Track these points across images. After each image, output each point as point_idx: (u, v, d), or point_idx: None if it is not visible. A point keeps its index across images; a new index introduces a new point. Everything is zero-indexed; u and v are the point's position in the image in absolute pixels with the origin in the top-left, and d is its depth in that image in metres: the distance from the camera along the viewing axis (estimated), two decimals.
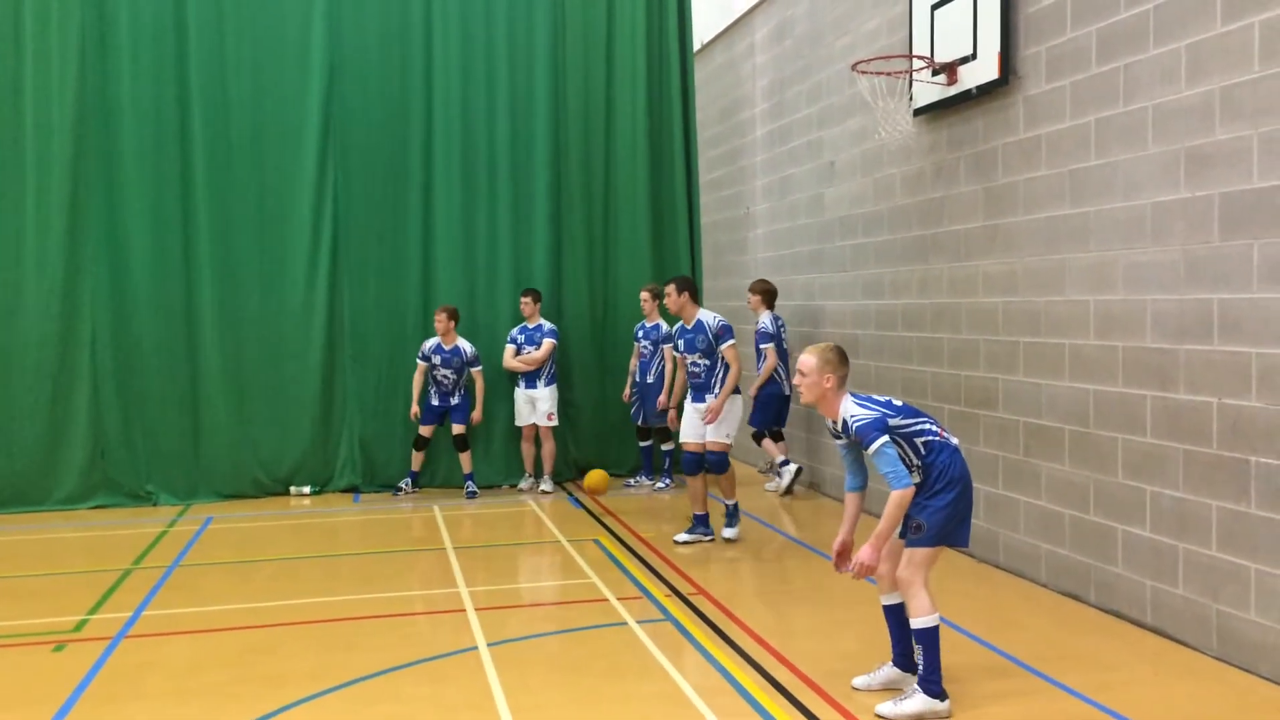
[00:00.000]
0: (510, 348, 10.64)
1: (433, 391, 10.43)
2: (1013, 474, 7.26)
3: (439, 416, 10.47)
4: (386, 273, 10.79)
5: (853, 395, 5.02)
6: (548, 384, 10.64)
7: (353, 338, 10.73)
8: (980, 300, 7.60)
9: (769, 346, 10.21)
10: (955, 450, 4.99)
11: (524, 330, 10.68)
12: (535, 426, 10.69)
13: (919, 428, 4.94)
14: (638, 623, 6.27)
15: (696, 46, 12.70)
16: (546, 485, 10.69)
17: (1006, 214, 7.28)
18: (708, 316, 8.26)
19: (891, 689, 5.08)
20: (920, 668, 4.86)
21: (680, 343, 8.36)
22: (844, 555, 5.07)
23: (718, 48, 13.00)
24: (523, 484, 10.77)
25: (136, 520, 9.63)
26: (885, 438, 4.81)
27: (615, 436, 11.28)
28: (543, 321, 10.70)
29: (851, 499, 5.17)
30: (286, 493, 10.58)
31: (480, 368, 10.47)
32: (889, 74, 8.10)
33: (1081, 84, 6.50)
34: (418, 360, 10.45)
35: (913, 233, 8.51)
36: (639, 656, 5.72)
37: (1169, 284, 5.82)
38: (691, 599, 6.77)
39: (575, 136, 11.20)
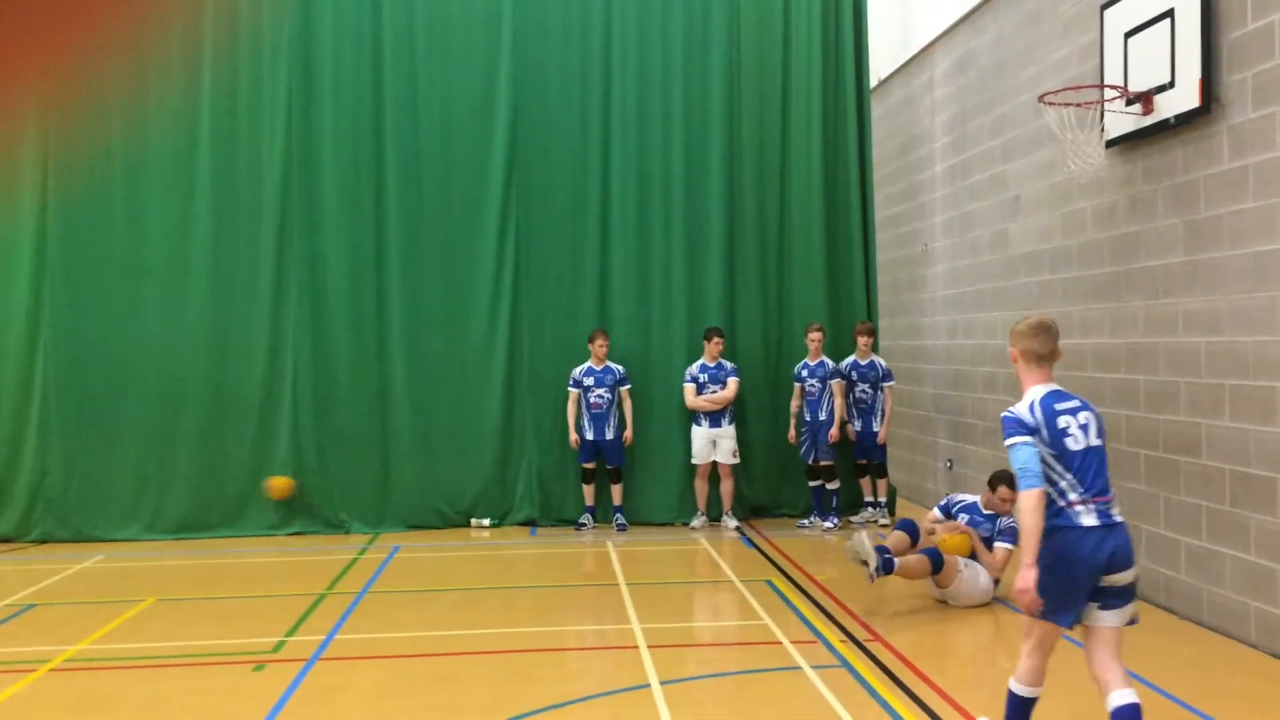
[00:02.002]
0: (690, 386, 10.71)
1: (587, 424, 10.60)
2: (1218, 525, 6.79)
3: (596, 451, 10.64)
4: (563, 311, 11.08)
5: (1050, 389, 4.60)
6: (730, 422, 10.70)
7: (530, 375, 11.03)
8: (1180, 339, 7.18)
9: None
10: (1074, 529, 4.42)
11: (705, 369, 10.74)
12: (712, 465, 10.71)
13: (1057, 483, 4.46)
14: (812, 668, 6.15)
15: (874, 81, 12.58)
16: (731, 522, 10.69)
17: (1209, 249, 6.87)
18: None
19: None
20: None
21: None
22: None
23: (896, 82, 12.83)
24: (695, 522, 10.79)
25: (330, 548, 10.13)
26: (1024, 438, 4.42)
27: (788, 476, 11.18)
28: (724, 361, 10.76)
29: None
30: (468, 524, 10.92)
31: (629, 387, 10.64)
32: (1079, 105, 7.80)
33: None
34: (569, 389, 10.67)
35: (1105, 269, 8.13)
36: (813, 703, 5.61)
37: None
38: (867, 645, 6.61)
39: (750, 174, 11.25)
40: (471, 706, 5.62)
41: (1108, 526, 4.45)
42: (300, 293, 10.83)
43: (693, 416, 10.77)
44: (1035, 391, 4.62)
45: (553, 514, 10.98)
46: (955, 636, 6.84)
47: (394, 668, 6.39)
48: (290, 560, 9.78)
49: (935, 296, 11.63)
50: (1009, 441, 4.49)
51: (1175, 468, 7.22)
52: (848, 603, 7.61)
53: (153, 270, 10.76)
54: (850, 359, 10.83)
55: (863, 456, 10.85)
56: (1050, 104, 7.87)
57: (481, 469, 10.95)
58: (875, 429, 10.73)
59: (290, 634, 7.09)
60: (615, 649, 6.76)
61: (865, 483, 10.89)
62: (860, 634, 6.86)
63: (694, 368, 10.79)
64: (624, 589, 8.22)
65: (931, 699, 5.62)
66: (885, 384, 10.73)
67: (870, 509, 10.84)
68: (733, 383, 10.66)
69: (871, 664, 6.23)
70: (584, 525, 10.71)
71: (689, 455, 10.83)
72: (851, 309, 11.38)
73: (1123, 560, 4.45)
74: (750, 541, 10.07)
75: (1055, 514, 4.45)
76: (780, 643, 6.70)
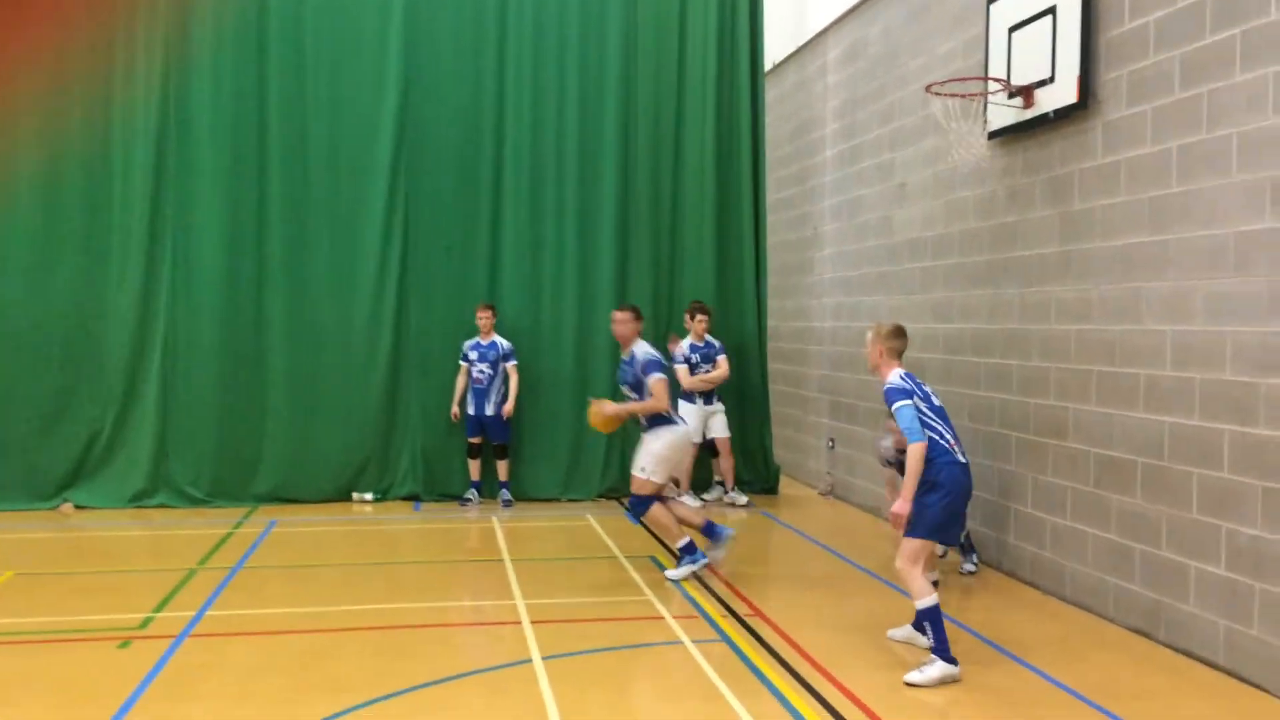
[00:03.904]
0: (683, 367, 10.59)
1: (470, 399, 10.53)
2: (1082, 505, 7.09)
3: (480, 426, 10.55)
4: (452, 287, 10.91)
5: (901, 372, 5.99)
6: (720, 399, 10.76)
7: (417, 348, 10.85)
8: (1053, 327, 7.46)
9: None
10: (956, 464, 5.84)
11: (695, 348, 10.70)
12: (700, 445, 10.61)
13: (934, 428, 5.84)
14: (693, 642, 6.22)
15: (769, 66, 12.69)
16: (741, 498, 10.70)
17: (1082, 240, 7.14)
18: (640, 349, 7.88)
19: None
20: (933, 641, 5.61)
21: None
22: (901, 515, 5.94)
23: (790, 67, 12.97)
24: (711, 495, 10.80)
25: (202, 522, 9.82)
26: (908, 401, 5.79)
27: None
28: (712, 339, 10.76)
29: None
30: (348, 499, 10.71)
31: (515, 363, 10.57)
32: (964, 96, 8.00)
33: (1164, 109, 6.36)
34: (460, 362, 10.58)
35: (984, 257, 8.38)
36: (693, 676, 5.68)
37: (1251, 316, 5.65)
38: (748, 619, 6.71)
39: (644, 151, 11.23)
40: (349, 684, 5.52)
41: (967, 465, 5.96)
42: (175, 260, 10.43)
43: (685, 396, 10.66)
44: (897, 370, 6.02)
45: (437, 489, 10.85)
46: (834, 610, 6.99)
47: (268, 644, 6.23)
48: (160, 534, 9.45)
49: (823, 279, 11.84)
50: (898, 405, 5.79)
51: (1045, 450, 7.50)
52: (730, 578, 7.72)
53: (20, 232, 10.25)
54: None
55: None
56: (936, 94, 8.06)
57: (364, 443, 10.74)
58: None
59: (158, 610, 6.86)
60: (497, 624, 6.73)
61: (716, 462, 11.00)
62: (741, 609, 6.96)
63: (684, 348, 10.68)
64: (508, 565, 8.17)
65: (808, 672, 5.74)
66: (719, 357, 10.74)
67: (720, 488, 10.98)
68: (723, 360, 10.69)
69: (751, 638, 6.33)
70: (469, 501, 10.61)
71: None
72: (741, 290, 11.50)
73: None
74: (636, 518, 10.11)
75: (942, 453, 5.82)
76: (662, 617, 6.75)
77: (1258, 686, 5.53)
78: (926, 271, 9.35)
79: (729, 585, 7.55)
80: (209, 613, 6.82)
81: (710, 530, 7.81)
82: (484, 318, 10.55)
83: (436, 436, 10.85)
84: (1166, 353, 6.29)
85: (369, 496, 10.73)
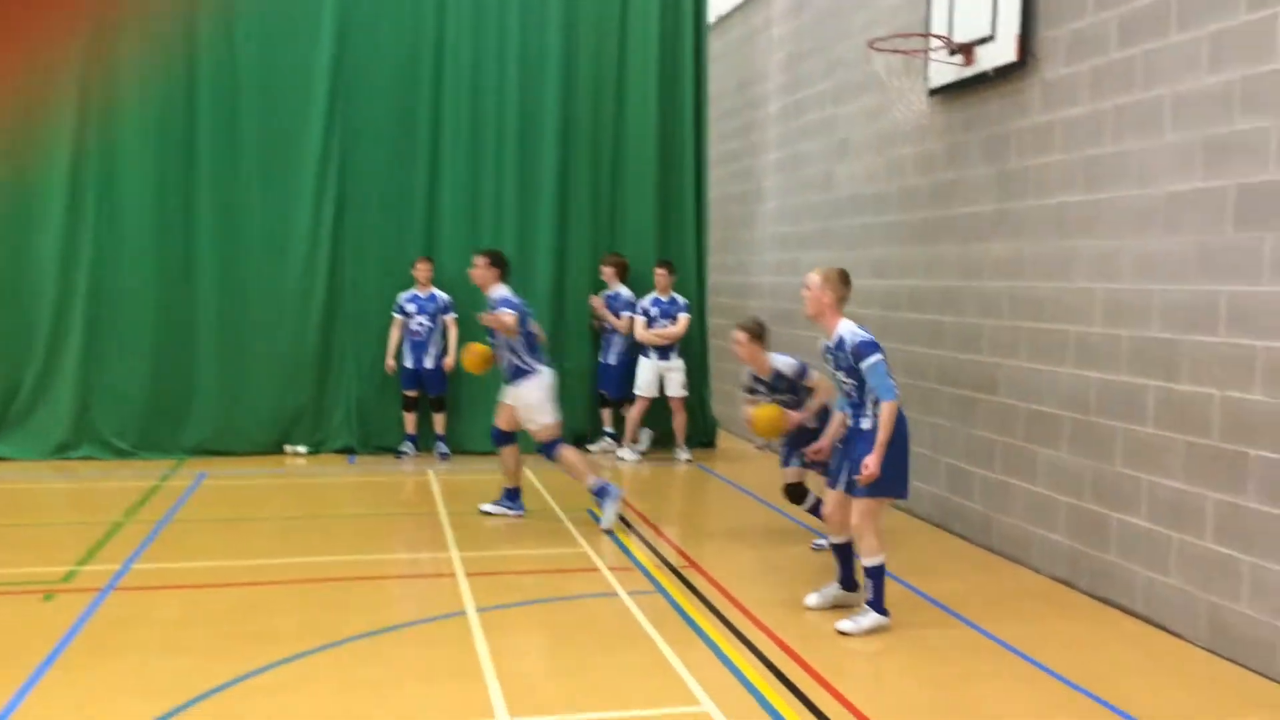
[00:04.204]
0: (640, 319, 10.60)
1: (408, 351, 10.42)
2: (1010, 459, 7.22)
3: (417, 379, 10.46)
4: (389, 238, 10.73)
5: (854, 324, 5.73)
6: (680, 355, 10.71)
7: (352, 300, 10.68)
8: (986, 284, 7.54)
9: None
10: (904, 418, 5.69)
11: (657, 303, 10.65)
12: (653, 400, 10.65)
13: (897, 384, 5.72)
14: (628, 594, 6.25)
15: (715, 18, 12.58)
16: (684, 454, 10.69)
17: (1017, 198, 7.20)
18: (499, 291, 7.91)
19: (840, 607, 5.93)
20: (870, 595, 5.67)
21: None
22: (819, 454, 6.44)
23: (736, 18, 12.86)
24: (625, 452, 10.68)
25: (128, 474, 9.62)
26: (881, 356, 5.57)
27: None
28: (676, 295, 10.71)
29: (841, 416, 5.93)
30: (281, 451, 10.56)
31: (454, 315, 10.47)
32: (906, 52, 7.99)
33: (1100, 69, 6.40)
34: (393, 315, 10.43)
35: (922, 214, 8.43)
36: (627, 627, 5.70)
37: (1178, 274, 5.75)
38: (683, 571, 6.75)
39: (585, 102, 11.09)
40: (279, 636, 5.46)
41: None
42: (98, 208, 10.12)
43: (641, 349, 10.65)
44: (849, 323, 5.75)
45: (372, 442, 10.73)
46: (768, 562, 7.06)
47: (197, 597, 6.14)
48: (82, 487, 9.24)
49: (764, 234, 11.84)
50: (875, 359, 5.56)
51: (975, 404, 7.61)
52: (665, 531, 7.76)
53: None
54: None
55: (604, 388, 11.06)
56: (878, 50, 8.04)
57: (298, 395, 10.58)
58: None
59: (83, 563, 6.71)
60: (431, 577, 6.70)
61: (607, 414, 11.10)
62: (676, 560, 7.01)
63: (645, 300, 10.69)
64: (443, 517, 8.13)
65: (741, 622, 5.79)
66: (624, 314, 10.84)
67: (609, 439, 11.08)
68: (683, 318, 10.65)
69: (685, 589, 6.38)
70: (405, 454, 10.52)
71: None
72: (683, 244, 11.46)
73: None
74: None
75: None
76: (597, 569, 6.77)
77: (1174, 634, 5.70)
78: (866, 227, 9.39)
79: (664, 538, 7.59)
80: (135, 566, 6.69)
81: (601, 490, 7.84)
82: (423, 269, 10.41)
83: (371, 389, 10.72)
84: (1096, 310, 6.39)
85: (302, 449, 10.59)
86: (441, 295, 10.50)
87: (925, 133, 8.33)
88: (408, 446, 10.56)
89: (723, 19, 13.07)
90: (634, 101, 11.26)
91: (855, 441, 5.72)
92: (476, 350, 8.06)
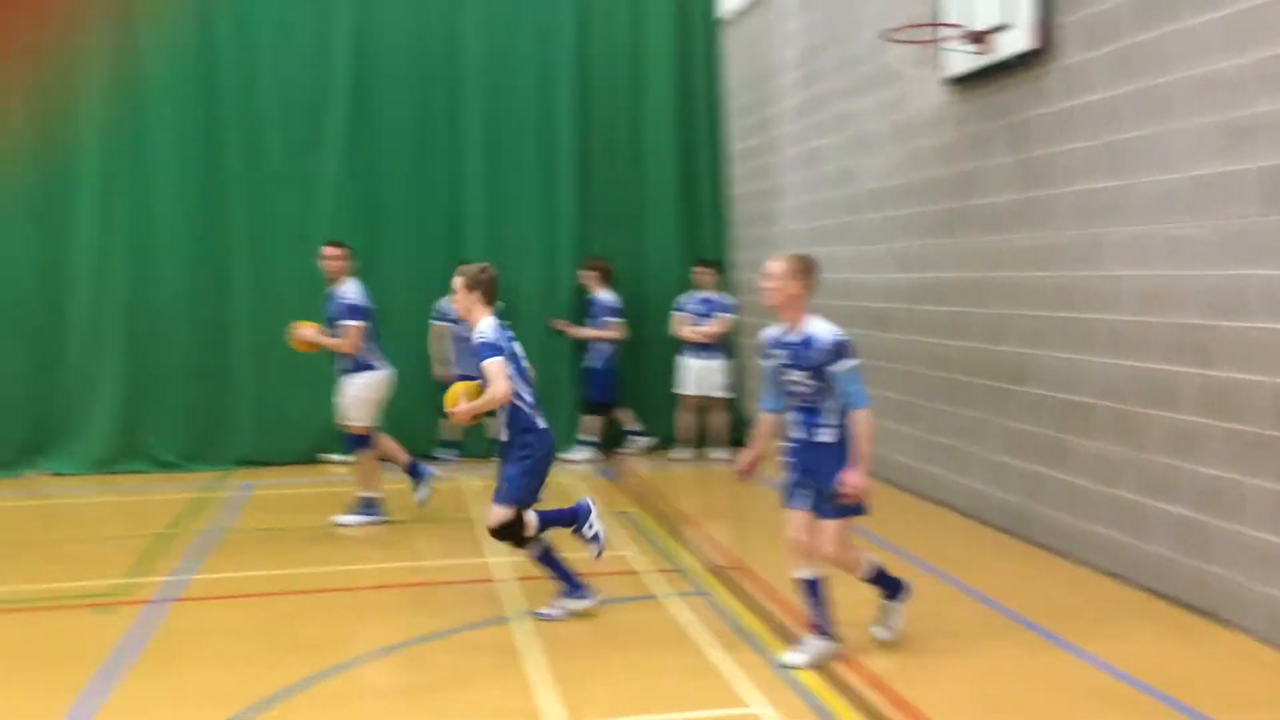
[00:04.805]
0: (684, 315, 10.58)
1: (455, 358, 10.42)
2: (1043, 450, 7.22)
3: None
4: (414, 249, 10.85)
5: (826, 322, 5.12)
6: (723, 355, 10.71)
7: (385, 308, 10.75)
8: (1012, 274, 7.53)
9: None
10: None
11: (704, 301, 10.67)
12: (700, 398, 10.70)
13: None
14: (673, 596, 6.29)
15: (729, 13, 12.61)
16: (723, 454, 10.60)
17: (1042, 186, 7.20)
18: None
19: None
20: (813, 616, 5.13)
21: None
22: (751, 470, 5.33)
23: (752, 14, 12.86)
24: (679, 453, 10.72)
25: (173, 486, 9.75)
26: (859, 360, 4.99)
27: (655, 409, 11.20)
28: (717, 295, 10.74)
29: (770, 420, 5.31)
30: (318, 461, 10.67)
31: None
32: (921, 42, 7.99)
33: (1119, 53, 6.39)
34: (432, 321, 10.45)
35: (943, 205, 8.43)
36: (672, 629, 5.75)
37: (1207, 259, 5.74)
38: (729, 573, 6.77)
39: (600, 107, 11.22)
40: (329, 643, 5.51)
41: None
42: (132, 220, 10.30)
43: (674, 346, 10.67)
44: (820, 319, 5.12)
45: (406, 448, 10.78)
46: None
47: (249, 606, 6.28)
48: (131, 500, 9.39)
49: (786, 231, 11.85)
50: (855, 362, 5.02)
51: (1006, 396, 7.61)
52: (710, 531, 7.79)
53: None
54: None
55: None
56: (893, 40, 8.04)
57: (331, 404, 10.66)
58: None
59: (133, 576, 6.83)
60: (471, 583, 6.75)
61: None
62: (722, 561, 7.03)
63: (690, 299, 10.71)
64: (477, 524, 8.18)
65: (793, 624, 5.81)
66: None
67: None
68: (725, 318, 10.69)
69: (732, 591, 6.39)
70: (447, 460, 10.50)
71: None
72: (701, 245, 11.50)
73: None
74: (612, 473, 10.17)
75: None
76: (638, 572, 6.82)
77: (1222, 620, 5.70)
78: (888, 221, 9.39)
79: (708, 539, 7.63)
80: (187, 577, 6.81)
81: (414, 469, 8.18)
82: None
83: (403, 397, 10.79)
84: (1126, 297, 6.38)
85: (335, 458, 10.68)
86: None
87: (943, 123, 8.32)
88: (451, 453, 10.58)
89: (736, 14, 13.07)
90: (649, 101, 11.33)
91: (813, 455, 5.07)
92: (303, 335, 8.16)
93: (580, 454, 10.75)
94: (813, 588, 5.20)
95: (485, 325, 5.77)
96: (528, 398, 5.80)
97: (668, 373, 10.91)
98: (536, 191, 11.04)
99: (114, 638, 5.66)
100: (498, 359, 5.62)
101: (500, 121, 10.97)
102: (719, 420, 10.80)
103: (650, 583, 6.59)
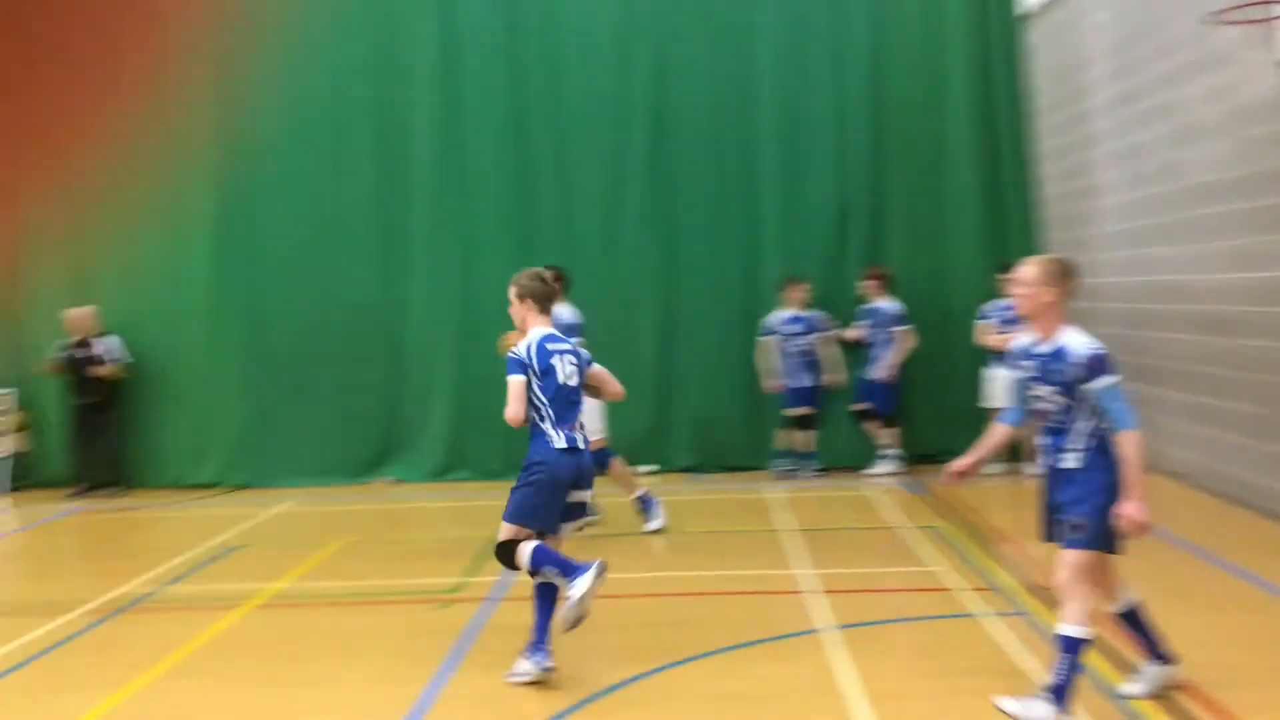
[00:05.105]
0: (988, 324, 10.32)
1: (790, 372, 10.50)
2: None
3: (808, 396, 10.50)
4: (715, 258, 11.15)
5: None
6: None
7: (688, 319, 11.17)
8: None
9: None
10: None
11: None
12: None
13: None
14: (990, 615, 6.11)
15: (1030, 7, 12.10)
16: (1035, 469, 10.40)
17: None
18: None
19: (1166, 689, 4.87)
20: (1058, 676, 4.47)
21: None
22: (961, 476, 4.95)
23: (1058, 5, 12.27)
24: (996, 469, 10.27)
25: (498, 493, 10.43)
26: (1119, 377, 4.45)
27: (959, 421, 10.87)
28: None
29: (1004, 431, 4.94)
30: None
31: (833, 332, 10.59)
32: (1252, 21, 7.33)
33: None
34: (762, 337, 10.63)
35: None
36: (990, 649, 5.60)
37: None
38: (1054, 593, 6.48)
39: (895, 111, 11.10)
40: (639, 649, 5.75)
41: None
42: (462, 246, 11.21)
43: (988, 359, 10.34)
44: (1075, 330, 4.64)
45: (718, 461, 11.08)
46: (1157, 582, 6.66)
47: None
48: (462, 505, 10.20)
49: (1105, 231, 11.17)
50: (1114, 380, 4.48)
51: None
52: (1031, 549, 7.50)
53: (311, 239, 11.30)
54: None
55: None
56: (1221, 23, 7.43)
57: (635, 414, 11.05)
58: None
59: (470, 575, 7.43)
60: (782, 594, 6.83)
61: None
62: (1042, 582, 6.74)
63: (990, 306, 10.34)
64: (797, 535, 8.27)
65: (1126, 646, 5.50)
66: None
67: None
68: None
69: (1048, 609, 6.14)
70: (795, 471, 10.56)
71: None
72: (1007, 250, 11.04)
73: None
74: (919, 488, 9.96)
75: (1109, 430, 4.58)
76: (949, 589, 6.67)
77: None
78: (1222, 216, 8.66)
79: (1029, 556, 7.35)
80: (514, 577, 7.33)
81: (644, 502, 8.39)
82: (802, 289, 10.58)
83: (711, 407, 11.10)
84: None
85: (642, 470, 11.08)
86: (815, 315, 10.65)
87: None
88: (802, 465, 10.62)
89: (1040, 6, 12.49)
90: (948, 101, 11.06)
91: (1056, 483, 4.65)
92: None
93: (882, 467, 10.60)
94: (1129, 619, 4.87)
95: (530, 337, 5.64)
96: (552, 417, 5.60)
97: (973, 385, 10.55)
98: (833, 203, 11.05)
99: (456, 631, 6.19)
100: (518, 378, 5.51)
101: (794, 128, 11.08)
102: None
103: (965, 600, 6.43)
